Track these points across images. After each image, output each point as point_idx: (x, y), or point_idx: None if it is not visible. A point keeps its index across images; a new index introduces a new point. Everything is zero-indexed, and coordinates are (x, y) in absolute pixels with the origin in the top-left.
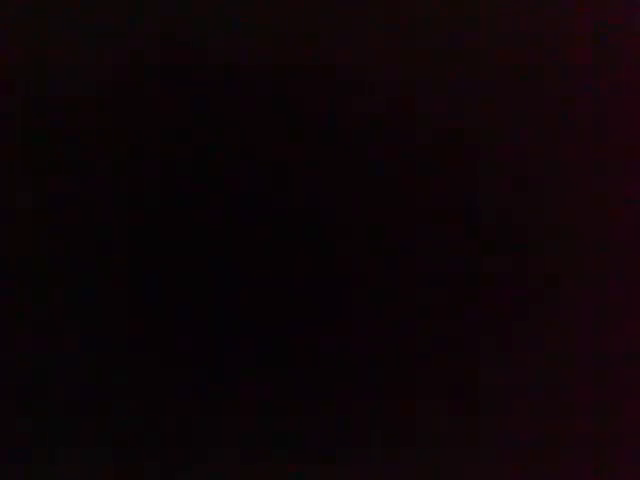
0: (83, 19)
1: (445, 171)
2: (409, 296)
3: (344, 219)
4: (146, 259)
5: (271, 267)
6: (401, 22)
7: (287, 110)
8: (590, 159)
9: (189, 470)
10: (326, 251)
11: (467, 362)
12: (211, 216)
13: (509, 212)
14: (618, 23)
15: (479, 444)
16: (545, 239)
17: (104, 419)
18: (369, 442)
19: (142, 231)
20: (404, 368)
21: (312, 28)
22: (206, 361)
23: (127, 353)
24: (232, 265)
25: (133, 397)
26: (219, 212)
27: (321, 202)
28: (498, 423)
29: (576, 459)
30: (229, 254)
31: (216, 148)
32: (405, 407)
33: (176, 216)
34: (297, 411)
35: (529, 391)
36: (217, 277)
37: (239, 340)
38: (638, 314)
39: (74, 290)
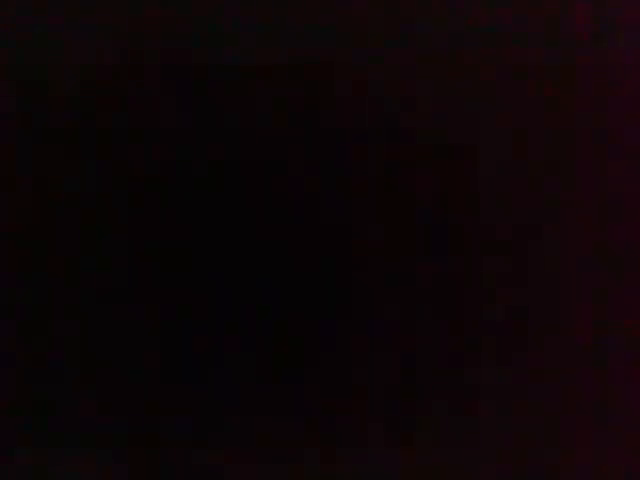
0: (83, 19)
1: (445, 171)
2: (409, 296)
3: (344, 219)
4: (146, 259)
5: (270, 267)
6: (401, 22)
7: (287, 110)
8: (590, 159)
9: (189, 470)
10: (326, 251)
11: (467, 362)
12: (211, 216)
13: (509, 212)
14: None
15: (479, 444)
16: (545, 239)
17: (104, 419)
18: (369, 442)
19: (142, 231)
20: (404, 368)
21: (312, 28)
22: (206, 361)
23: (127, 353)
24: (231, 265)
25: (133, 397)
26: (219, 212)
27: (321, 202)
28: (498, 423)
29: (576, 459)
30: (229, 254)
31: (216, 148)
32: (405, 407)
33: (176, 216)
34: (297, 411)
35: (529, 391)
36: (217, 277)
37: (239, 340)
38: (638, 314)
39: (74, 290)
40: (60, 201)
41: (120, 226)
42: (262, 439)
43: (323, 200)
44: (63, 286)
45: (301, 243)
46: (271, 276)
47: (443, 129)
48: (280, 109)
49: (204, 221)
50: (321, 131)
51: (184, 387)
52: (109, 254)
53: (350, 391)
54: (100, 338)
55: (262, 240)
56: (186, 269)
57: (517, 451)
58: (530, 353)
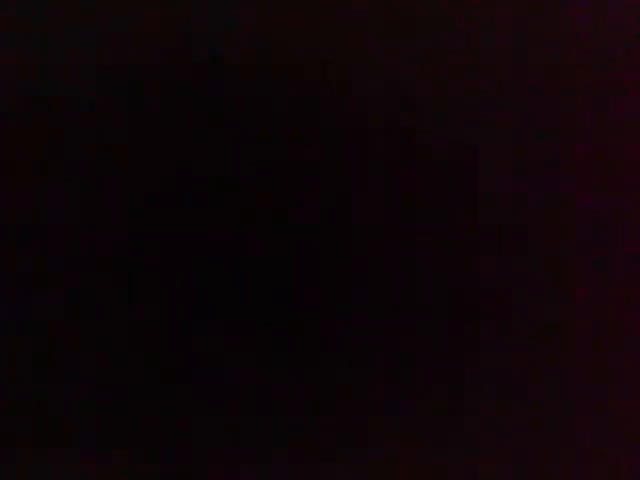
0: (83, 19)
1: (445, 171)
2: (409, 297)
3: (344, 219)
4: (147, 258)
5: (270, 267)
6: (401, 22)
7: (287, 110)
8: (590, 160)
9: (190, 470)
10: (325, 252)
11: (467, 362)
12: (211, 216)
13: (509, 212)
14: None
15: (479, 444)
16: (544, 240)
17: (104, 419)
18: (369, 442)
19: (143, 230)
20: (404, 368)
21: (311, 28)
22: (206, 361)
23: (127, 352)
24: (232, 266)
25: (133, 397)
26: (219, 212)
27: (321, 202)
28: (498, 423)
29: (576, 459)
30: (228, 255)
31: (216, 148)
32: (405, 407)
33: (176, 216)
34: (297, 411)
35: (529, 391)
36: (217, 278)
37: (239, 340)
38: (638, 314)
39: (74, 290)
40: (60, 201)
41: (120, 226)
42: (262, 439)
43: (323, 200)
44: (63, 286)
45: (301, 242)
46: (271, 276)
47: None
48: (280, 109)
49: (204, 221)
50: (321, 131)
51: (184, 388)
52: (110, 254)
53: (350, 391)
54: (100, 338)
55: (262, 240)
56: (186, 269)
57: (517, 451)
58: (530, 353)
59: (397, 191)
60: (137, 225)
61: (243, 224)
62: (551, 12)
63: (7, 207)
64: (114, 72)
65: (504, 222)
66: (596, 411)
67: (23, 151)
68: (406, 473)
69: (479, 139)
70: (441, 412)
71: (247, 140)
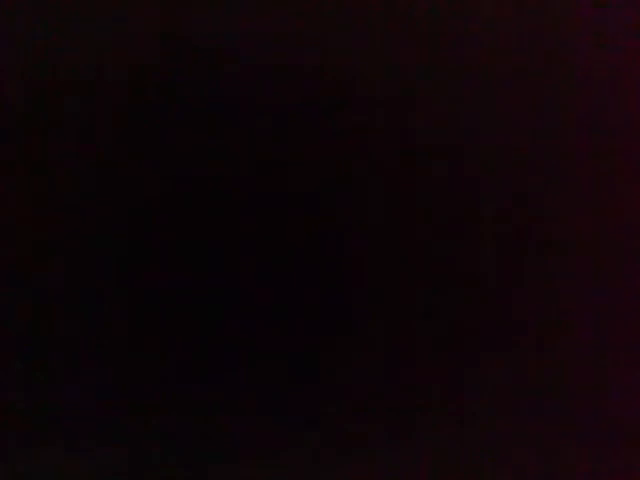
0: (85, 19)
1: (445, 171)
2: (409, 297)
3: (343, 218)
4: (148, 258)
5: (269, 267)
6: (401, 22)
7: (288, 110)
8: (590, 159)
9: (189, 471)
10: (325, 252)
11: (467, 362)
12: (210, 216)
13: (509, 211)
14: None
15: (479, 444)
16: (545, 239)
17: (103, 419)
18: (368, 442)
19: (143, 231)
20: (404, 368)
21: (312, 28)
22: (207, 361)
23: (128, 353)
24: (231, 266)
25: (133, 398)
26: (218, 212)
27: (321, 203)
28: (498, 423)
29: (576, 459)
30: (228, 256)
31: (217, 148)
32: (405, 407)
33: (176, 216)
34: (296, 411)
35: (529, 391)
36: (217, 278)
37: (239, 340)
38: (638, 314)
39: (74, 290)
40: (60, 201)
41: (120, 226)
42: (262, 439)
43: (323, 201)
44: (63, 286)
45: (301, 242)
46: (271, 276)
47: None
48: (281, 109)
49: (204, 222)
50: (322, 131)
51: (184, 389)
52: (110, 253)
53: (350, 391)
54: (100, 338)
55: (262, 241)
56: (185, 269)
57: (517, 451)
58: (530, 353)
59: (397, 191)
60: (137, 225)
61: (243, 224)
62: (551, 11)
63: (7, 207)
64: (114, 72)
65: (504, 222)
66: (596, 411)
67: (23, 151)
68: (406, 473)
69: (479, 139)
70: (441, 412)
71: (247, 140)
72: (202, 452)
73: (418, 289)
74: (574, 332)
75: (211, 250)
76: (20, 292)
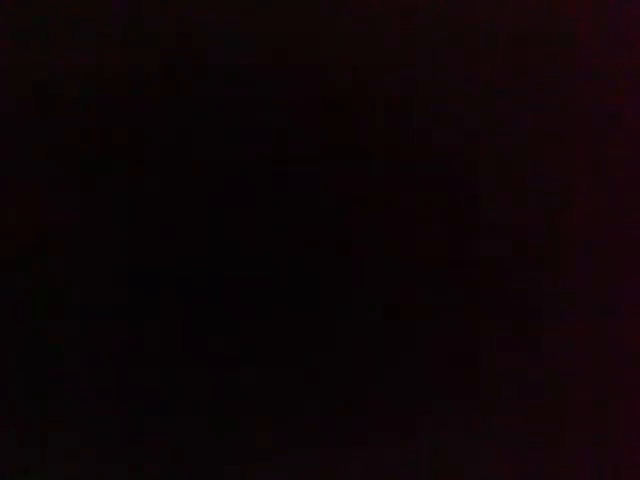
0: (87, 20)
1: (445, 170)
2: (409, 296)
3: (343, 218)
4: (148, 258)
5: (269, 267)
6: (401, 23)
7: (287, 111)
8: (590, 159)
9: (189, 470)
10: (325, 252)
11: (467, 361)
12: (210, 217)
13: (509, 210)
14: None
15: (479, 444)
16: (545, 239)
17: (104, 419)
18: (369, 442)
19: (143, 231)
20: (404, 367)
21: (312, 29)
22: (207, 361)
23: (127, 352)
24: (231, 266)
25: (133, 397)
26: (219, 212)
27: (321, 202)
28: (498, 423)
29: (576, 459)
30: (228, 256)
31: (217, 148)
32: (405, 407)
33: (176, 217)
34: (296, 410)
35: (529, 391)
36: (217, 277)
37: (239, 340)
38: (638, 314)
39: (74, 290)
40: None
41: (121, 226)
42: (263, 439)
43: (323, 200)
44: (63, 286)
45: (301, 242)
46: (270, 276)
47: None
48: (281, 109)
49: (204, 222)
50: (322, 131)
51: (185, 388)
52: (110, 253)
53: (351, 390)
54: (100, 338)
55: (262, 240)
56: (186, 269)
57: (517, 451)
58: (530, 353)
59: (398, 192)
60: (137, 226)
61: (243, 225)
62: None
63: (7, 207)
64: (114, 72)
65: (505, 221)
66: (596, 411)
67: (23, 151)
68: (406, 473)
69: (480, 139)
70: (441, 413)
71: (248, 141)
72: (202, 451)
73: (418, 289)
74: (574, 332)
75: (210, 250)
76: (20, 291)
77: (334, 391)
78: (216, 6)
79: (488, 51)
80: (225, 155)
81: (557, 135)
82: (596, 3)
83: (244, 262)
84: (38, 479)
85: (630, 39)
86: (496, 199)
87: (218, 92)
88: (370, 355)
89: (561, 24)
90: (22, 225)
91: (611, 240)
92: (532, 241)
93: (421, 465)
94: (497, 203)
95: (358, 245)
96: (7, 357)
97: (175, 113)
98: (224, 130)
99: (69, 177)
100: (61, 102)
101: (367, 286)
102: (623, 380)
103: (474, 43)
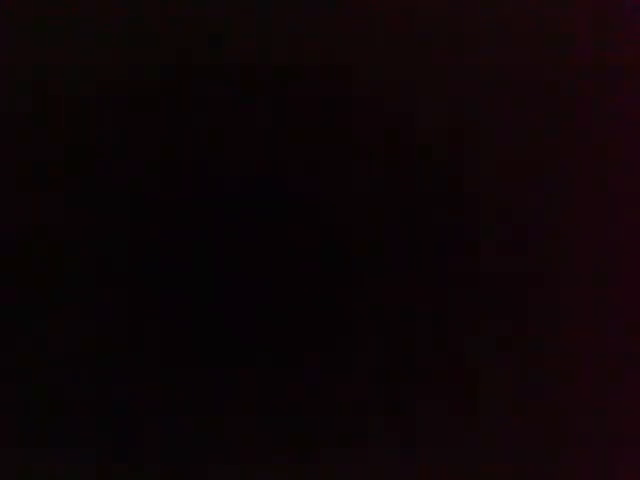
0: (90, 20)
1: (445, 170)
2: (409, 295)
3: (344, 217)
4: (148, 258)
5: (269, 267)
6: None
7: (287, 110)
8: (590, 158)
9: (188, 470)
10: (325, 253)
11: (467, 361)
12: (210, 217)
13: (509, 209)
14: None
15: (479, 444)
16: (545, 238)
17: (103, 419)
18: (368, 441)
19: (144, 229)
20: (404, 366)
21: (313, 28)
22: (207, 361)
23: (127, 352)
24: (231, 266)
25: (133, 397)
26: (218, 212)
27: (321, 203)
28: (498, 423)
29: (576, 459)
30: (228, 256)
31: (217, 148)
32: (405, 406)
33: (177, 217)
34: (296, 410)
35: (528, 390)
36: (216, 276)
37: (239, 340)
38: (638, 313)
39: (73, 289)
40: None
41: (120, 226)
42: (262, 439)
43: (324, 200)
44: (63, 286)
45: (300, 241)
46: (270, 276)
47: None
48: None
49: (204, 222)
50: (322, 131)
51: (184, 388)
52: (110, 253)
53: (351, 390)
54: (101, 338)
55: (261, 241)
56: (185, 268)
57: (516, 451)
58: (530, 353)
59: (398, 192)
60: (136, 226)
61: (243, 225)
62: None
63: (6, 207)
64: (114, 72)
65: (504, 221)
66: (596, 411)
67: (23, 151)
68: (406, 473)
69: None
70: (442, 413)
71: (248, 140)
72: (201, 452)
73: (417, 289)
74: (574, 332)
75: (210, 248)
76: (20, 291)
77: (334, 391)
78: (216, 6)
79: (488, 51)
80: (225, 155)
81: (557, 134)
82: (596, 3)
83: (244, 262)
84: (38, 479)
85: (630, 39)
86: (496, 199)
87: (218, 92)
88: (370, 355)
89: (561, 24)
90: (22, 225)
91: (611, 240)
92: (532, 241)
93: (421, 465)
94: (497, 203)
95: (358, 245)
96: (7, 357)
97: (175, 113)
98: (224, 130)
99: (69, 177)
100: (61, 102)
101: (367, 286)
102: (623, 380)
103: (474, 43)
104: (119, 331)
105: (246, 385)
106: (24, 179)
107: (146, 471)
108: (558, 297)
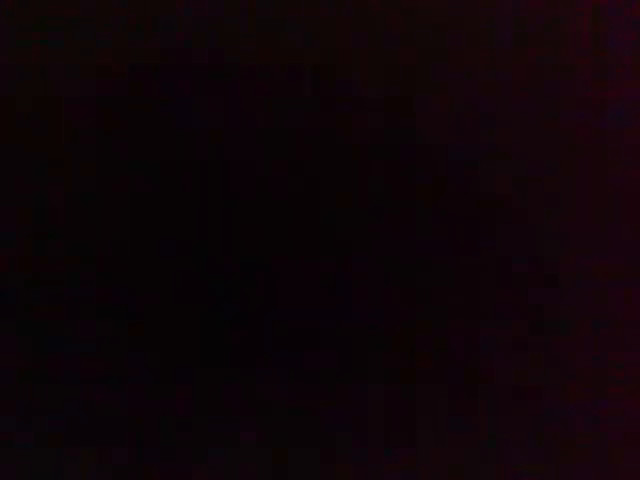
0: (86, 20)
1: (445, 170)
2: (409, 295)
3: (343, 217)
4: (147, 258)
5: (269, 267)
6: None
7: (287, 111)
8: (590, 157)
9: (189, 470)
10: (325, 253)
11: (467, 361)
12: (210, 217)
13: (509, 208)
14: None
15: (479, 444)
16: (545, 238)
17: (103, 419)
18: (369, 441)
19: (143, 229)
20: (404, 365)
21: (312, 28)
22: (207, 361)
23: (127, 352)
24: (230, 265)
25: (133, 397)
26: (219, 213)
27: (321, 202)
28: (498, 423)
29: (576, 459)
30: (228, 256)
31: (217, 148)
32: (405, 405)
33: (176, 217)
34: (296, 410)
35: (528, 390)
36: (216, 276)
37: (239, 339)
38: (638, 313)
39: (73, 290)
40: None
41: (120, 225)
42: (263, 439)
43: (323, 200)
44: (62, 286)
45: (301, 241)
46: (270, 276)
47: None
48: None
49: (204, 222)
50: (322, 131)
51: (185, 388)
52: (110, 253)
53: (351, 389)
54: (100, 338)
55: (262, 241)
56: (185, 269)
57: (517, 451)
58: (529, 353)
59: (398, 193)
60: (136, 226)
61: (243, 225)
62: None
63: (6, 207)
64: (114, 72)
65: (504, 221)
66: (595, 411)
67: (23, 151)
68: (406, 473)
69: (480, 140)
70: (441, 413)
71: (247, 141)
72: (202, 451)
73: (418, 288)
74: (574, 332)
75: (209, 247)
76: (19, 291)
77: (333, 391)
78: (216, 6)
79: (488, 51)
80: (225, 155)
81: (557, 135)
82: (596, 3)
83: (243, 262)
84: (38, 479)
85: (630, 39)
86: (496, 199)
87: (218, 92)
88: (370, 355)
89: (561, 24)
90: (21, 225)
91: (611, 240)
92: (532, 240)
93: (421, 465)
94: (497, 203)
95: (358, 245)
96: (6, 357)
97: (175, 113)
98: (224, 130)
99: (69, 177)
100: (61, 102)
101: (367, 286)
102: (623, 380)
103: (474, 43)
104: (119, 331)
105: (246, 385)
106: (24, 179)
107: (146, 471)
108: (558, 297)
